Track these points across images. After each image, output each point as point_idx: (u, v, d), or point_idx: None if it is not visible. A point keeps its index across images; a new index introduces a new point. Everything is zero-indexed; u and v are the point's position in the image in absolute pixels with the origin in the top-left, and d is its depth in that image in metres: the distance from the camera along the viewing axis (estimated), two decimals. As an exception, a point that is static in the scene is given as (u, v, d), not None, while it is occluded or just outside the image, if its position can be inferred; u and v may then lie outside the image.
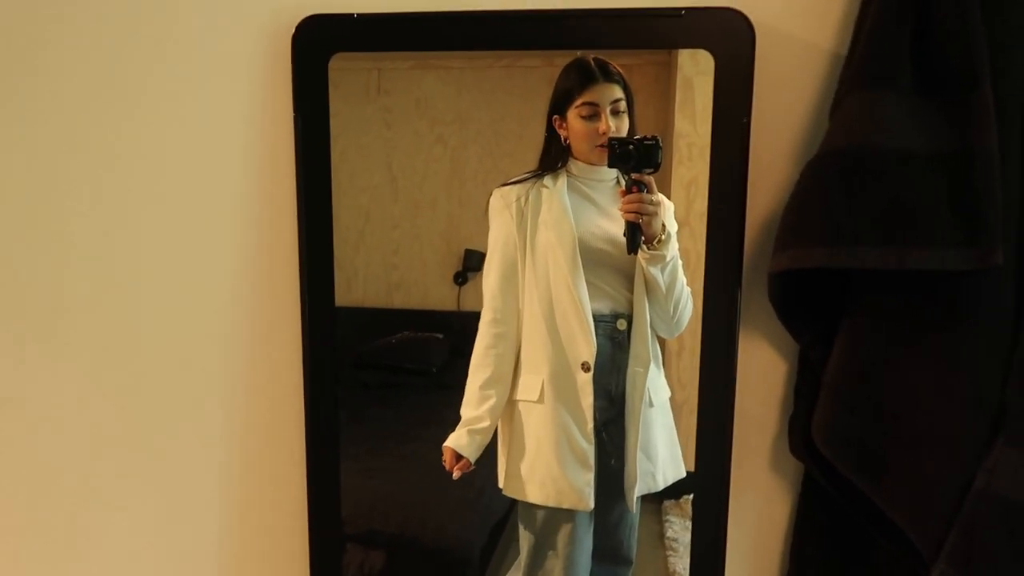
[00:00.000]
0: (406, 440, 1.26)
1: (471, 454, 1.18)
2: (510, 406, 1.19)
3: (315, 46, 1.14)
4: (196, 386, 1.26)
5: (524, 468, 1.17)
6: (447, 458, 1.19)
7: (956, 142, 0.92)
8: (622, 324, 1.14)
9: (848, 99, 0.97)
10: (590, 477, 1.15)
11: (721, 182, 1.08)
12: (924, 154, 0.93)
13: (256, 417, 1.26)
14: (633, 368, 1.14)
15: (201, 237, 1.23)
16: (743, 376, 1.13)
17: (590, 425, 1.14)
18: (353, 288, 1.28)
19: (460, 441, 1.18)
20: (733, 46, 1.05)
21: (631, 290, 1.14)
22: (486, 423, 1.17)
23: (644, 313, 1.14)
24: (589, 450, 1.14)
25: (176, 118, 1.21)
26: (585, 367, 1.13)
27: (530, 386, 1.16)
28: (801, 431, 1.09)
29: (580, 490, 1.15)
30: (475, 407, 1.18)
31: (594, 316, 1.14)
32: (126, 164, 1.23)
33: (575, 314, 1.13)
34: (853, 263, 0.94)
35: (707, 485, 1.15)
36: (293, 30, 1.14)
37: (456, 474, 1.18)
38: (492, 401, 1.17)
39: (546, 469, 1.16)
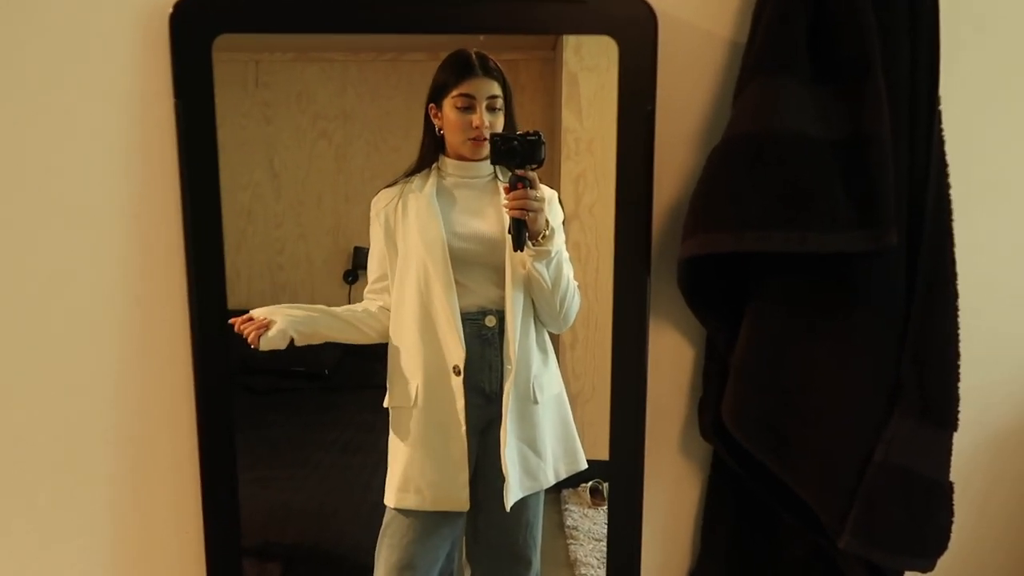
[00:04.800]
0: (300, 446, 1.23)
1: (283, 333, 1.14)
2: (387, 413, 1.19)
3: (196, 27, 1.08)
4: (76, 396, 1.20)
5: (399, 474, 1.17)
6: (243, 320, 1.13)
7: (851, 128, 1.00)
8: (490, 321, 1.15)
9: (750, 86, 1.02)
10: (466, 478, 1.16)
11: (627, 170, 1.11)
12: (822, 139, 0.99)
13: (145, 429, 1.21)
14: (505, 366, 1.15)
15: (76, 239, 1.16)
16: (653, 362, 1.17)
17: (464, 428, 1.15)
18: (236, 290, 1.24)
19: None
20: (636, 33, 1.08)
21: (501, 286, 1.15)
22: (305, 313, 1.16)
23: (516, 309, 1.15)
24: (463, 452, 1.15)
25: (44, 108, 1.12)
26: (456, 371, 1.14)
27: (405, 392, 1.17)
28: (711, 414, 1.14)
29: (457, 492, 1.16)
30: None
31: (461, 315, 1.14)
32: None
33: (445, 318, 1.14)
34: (759, 247, 0.99)
35: (621, 472, 1.18)
36: (171, 9, 1.08)
37: (253, 336, 1.12)
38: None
39: (421, 474, 1.16)
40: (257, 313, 1.13)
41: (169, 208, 1.14)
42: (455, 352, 1.14)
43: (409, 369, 1.16)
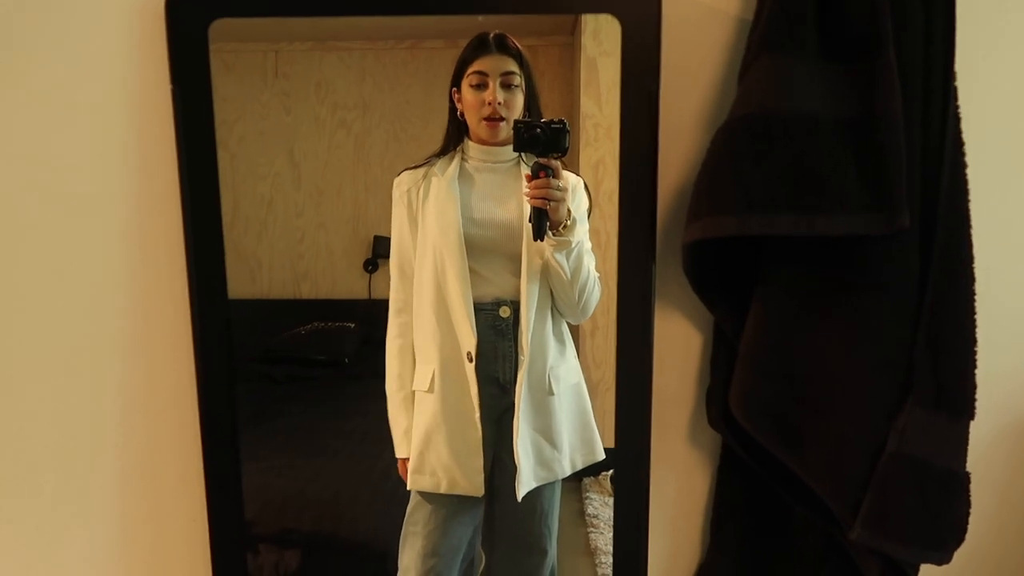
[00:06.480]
0: (317, 435, 1.23)
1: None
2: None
3: (192, 11, 1.07)
4: (79, 386, 1.20)
5: (415, 457, 1.17)
6: (402, 471, 1.19)
7: (861, 106, 0.96)
8: (505, 311, 1.14)
9: (756, 63, 0.99)
10: (480, 464, 1.16)
11: (632, 152, 1.08)
12: (830, 118, 0.96)
13: (149, 419, 1.21)
14: (519, 357, 1.14)
15: (75, 227, 1.16)
16: (659, 350, 1.15)
17: (478, 413, 1.15)
18: (257, 279, 1.24)
19: (403, 449, 1.18)
20: (640, 10, 1.05)
21: (518, 275, 1.14)
22: (408, 422, 1.18)
23: (531, 300, 1.13)
24: (478, 437, 1.15)
25: (39, 95, 1.12)
26: (469, 357, 1.14)
27: (423, 376, 1.17)
28: (719, 403, 1.12)
29: (471, 477, 1.16)
30: (398, 406, 1.18)
31: (475, 305, 1.13)
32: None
33: (458, 304, 1.13)
34: (765, 230, 0.96)
35: (627, 461, 1.16)
36: (167, -6, 1.08)
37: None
38: (405, 393, 1.18)
39: (437, 458, 1.16)
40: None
41: (168, 195, 1.13)
42: (467, 339, 1.13)
43: (426, 353, 1.15)
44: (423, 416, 1.16)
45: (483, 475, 1.15)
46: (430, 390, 1.15)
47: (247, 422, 1.17)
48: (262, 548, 1.20)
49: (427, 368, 1.15)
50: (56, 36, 1.10)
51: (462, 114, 1.14)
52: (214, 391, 1.15)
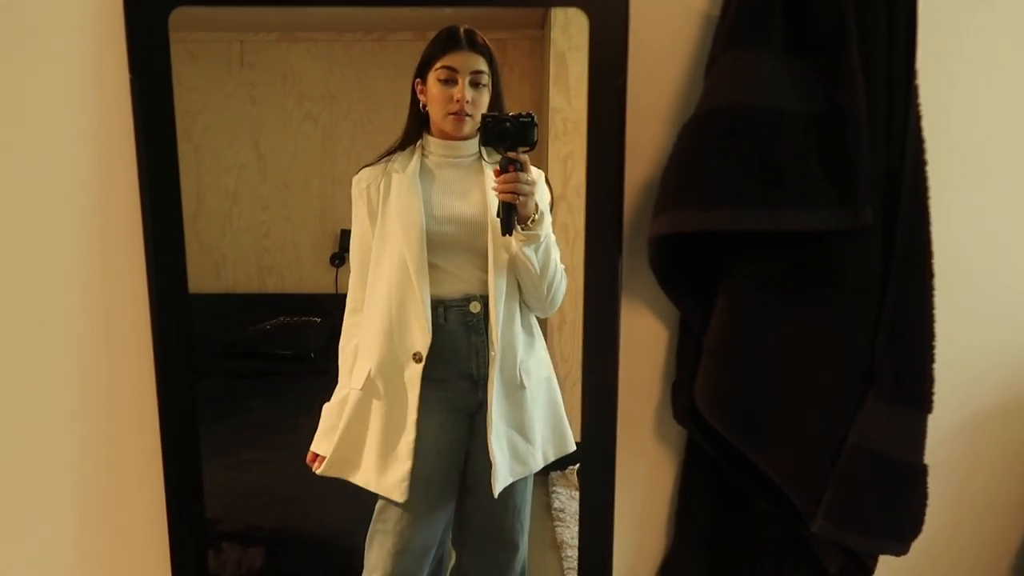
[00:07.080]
0: (283, 430, 1.22)
1: (328, 451, 1.17)
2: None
3: (151, 0, 1.04)
4: (36, 384, 1.16)
5: (346, 453, 1.15)
6: (310, 460, 1.17)
7: (826, 102, 0.98)
8: (475, 307, 1.13)
9: (722, 58, 1.00)
10: (406, 470, 1.12)
11: (598, 146, 1.09)
12: (796, 114, 0.97)
13: (108, 415, 1.18)
14: (490, 352, 1.13)
15: (32, 222, 1.13)
16: (626, 344, 1.16)
17: (415, 418, 1.12)
18: (223, 273, 1.22)
19: (321, 445, 1.17)
20: (607, 5, 1.05)
21: (485, 270, 1.12)
22: (335, 421, 1.16)
23: (499, 295, 1.12)
24: (409, 444, 1.12)
25: None
26: (417, 357, 1.12)
27: (359, 374, 1.14)
28: (684, 397, 1.12)
29: (397, 484, 1.13)
30: (338, 403, 1.16)
31: (444, 301, 1.12)
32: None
33: (412, 303, 1.11)
34: (731, 225, 0.96)
35: (593, 455, 1.16)
36: (125, -18, 1.06)
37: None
38: (347, 391, 1.16)
39: (367, 458, 1.14)
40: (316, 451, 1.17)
41: (127, 187, 1.10)
42: (420, 339, 1.11)
43: (370, 351, 1.13)
44: (357, 415, 1.14)
45: (407, 482, 1.12)
46: (367, 389, 1.13)
47: (212, 418, 1.15)
48: (225, 546, 1.18)
49: (365, 366, 1.13)
50: (12, 23, 1.07)
51: (424, 106, 1.12)
52: (174, 387, 1.12)
